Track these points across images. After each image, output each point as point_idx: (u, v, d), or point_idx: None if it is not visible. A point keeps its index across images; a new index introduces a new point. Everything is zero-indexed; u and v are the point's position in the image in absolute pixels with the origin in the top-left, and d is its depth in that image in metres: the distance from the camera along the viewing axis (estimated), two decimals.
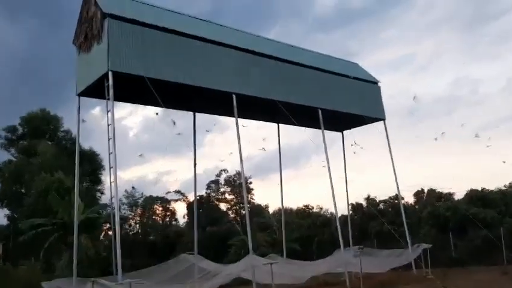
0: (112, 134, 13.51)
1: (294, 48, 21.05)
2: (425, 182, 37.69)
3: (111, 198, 13.62)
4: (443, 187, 37.08)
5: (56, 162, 32.04)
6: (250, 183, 64.08)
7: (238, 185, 63.30)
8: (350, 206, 28.38)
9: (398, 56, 79.83)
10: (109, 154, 13.72)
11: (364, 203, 32.33)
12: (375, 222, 29.65)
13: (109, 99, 13.80)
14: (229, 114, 18.67)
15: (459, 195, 32.89)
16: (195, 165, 19.39)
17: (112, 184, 13.32)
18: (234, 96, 16.41)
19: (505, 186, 32.25)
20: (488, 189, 31.04)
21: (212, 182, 63.08)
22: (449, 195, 35.20)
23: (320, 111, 19.17)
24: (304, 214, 36.77)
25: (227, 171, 62.55)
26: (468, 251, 25.09)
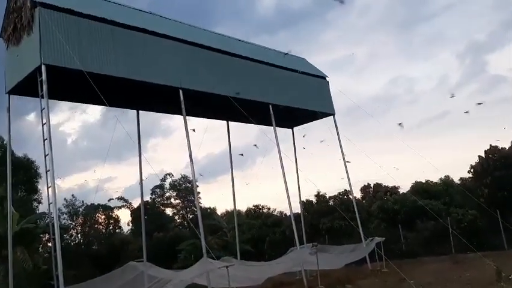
0: (48, 134, 12.24)
1: (241, 42, 20.39)
2: (370, 177, 38.25)
3: (49, 205, 12.29)
4: (388, 182, 37.88)
5: None
6: (197, 186, 63.00)
7: (184, 189, 62.07)
8: (300, 203, 28.10)
9: (339, 57, 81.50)
10: (45, 156, 12.43)
11: (314, 200, 32.16)
12: (325, 218, 29.56)
13: (42, 96, 12.50)
14: (176, 111, 17.80)
15: (404, 188, 33.56)
16: (140, 166, 18.28)
17: (50, 189, 12.05)
18: (180, 91, 15.49)
19: (445, 177, 33.26)
20: (432, 182, 31.88)
21: (157, 186, 61.46)
22: (395, 189, 35.87)
23: (270, 107, 18.61)
24: (255, 215, 36.18)
25: (172, 176, 60.96)
26: (418, 243, 25.46)
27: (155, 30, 15.52)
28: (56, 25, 12.81)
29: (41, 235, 27.58)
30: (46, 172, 12.23)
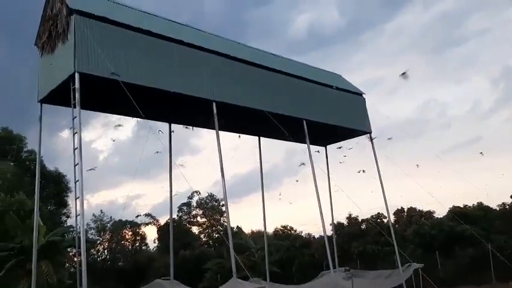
0: (78, 144, 11.86)
1: (276, 56, 19.91)
2: (403, 201, 36.96)
3: (76, 217, 11.88)
4: (422, 206, 36.49)
5: (17, 183, 29.87)
6: (222, 205, 62.46)
7: (211, 207, 61.65)
8: (332, 226, 27.16)
9: (369, 78, 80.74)
10: (74, 166, 12.05)
11: (345, 222, 31.11)
12: (357, 242, 28.48)
13: (74, 105, 12.19)
14: (207, 125, 17.38)
15: (439, 213, 32.21)
16: (170, 179, 17.80)
17: (77, 200, 11.62)
18: (213, 104, 15.04)
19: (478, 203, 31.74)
20: (470, 206, 30.48)
21: (184, 204, 61.29)
22: (430, 214, 34.51)
23: (304, 123, 17.95)
24: (283, 236, 35.27)
25: (199, 193, 60.66)
26: (456, 270, 24.16)
27: (191, 42, 15.19)
28: (91, 33, 12.58)
29: (68, 249, 27.39)
30: (75, 182, 11.82)
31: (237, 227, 35.23)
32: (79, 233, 11.79)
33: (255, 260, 29.70)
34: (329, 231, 31.04)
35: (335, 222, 30.25)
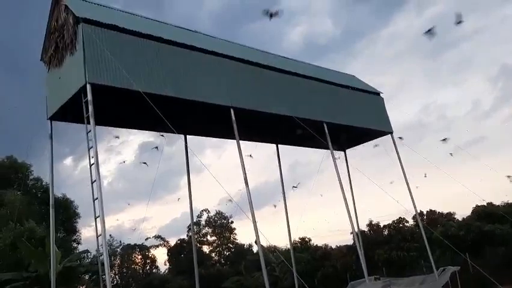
0: (95, 159, 10.99)
1: (289, 59, 19.16)
2: (421, 204, 35.90)
3: (97, 237, 10.95)
4: (441, 209, 35.46)
5: (26, 212, 29.03)
6: (232, 222, 61.40)
7: (219, 225, 60.57)
8: (356, 234, 26.10)
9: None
10: (92, 183, 11.18)
11: (367, 230, 30.06)
12: (381, 249, 27.39)
13: (88, 118, 11.35)
14: (225, 134, 16.58)
15: (461, 214, 31.21)
16: (189, 192, 16.91)
17: (98, 219, 10.72)
18: (231, 110, 14.22)
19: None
20: (494, 204, 29.43)
21: (193, 223, 60.06)
22: (450, 215, 33.46)
23: (325, 125, 17.10)
24: (302, 248, 34.18)
25: (208, 212, 59.75)
26: (489, 271, 23.02)
27: (204, 47, 14.43)
28: (100, 41, 11.81)
29: (83, 275, 26.40)
30: (94, 200, 10.94)
31: (255, 242, 34.13)
32: (101, 253, 10.85)
33: (276, 275, 28.61)
34: (350, 240, 29.90)
35: (356, 230, 29.26)
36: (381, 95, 20.82)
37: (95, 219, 10.88)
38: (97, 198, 10.73)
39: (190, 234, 60.50)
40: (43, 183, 40.97)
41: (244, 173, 13.79)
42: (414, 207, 19.71)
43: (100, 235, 10.52)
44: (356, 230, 23.15)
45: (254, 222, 13.43)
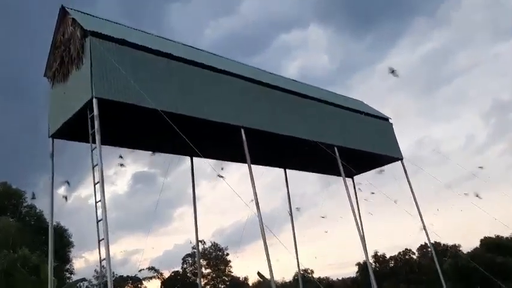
0: (100, 177, 10.27)
1: (298, 82, 18.73)
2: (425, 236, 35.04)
3: (100, 261, 10.12)
4: (445, 240, 34.59)
5: (19, 239, 28.04)
6: (227, 254, 60.00)
7: (214, 257, 59.19)
8: (359, 266, 25.20)
9: None
10: (96, 203, 10.45)
11: (372, 262, 29.09)
12: (388, 281, 26.42)
13: (93, 137, 10.70)
14: (233, 156, 15.95)
15: (467, 246, 30.44)
16: (195, 216, 16.14)
17: (102, 242, 9.93)
18: (242, 130, 13.62)
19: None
20: (503, 237, 28.68)
21: (188, 255, 58.97)
22: (456, 248, 32.62)
23: (336, 150, 16.50)
24: (305, 280, 33.05)
25: (204, 243, 58.56)
26: None
27: (212, 65, 13.94)
28: (109, 55, 11.28)
29: None
30: (97, 222, 10.18)
31: (258, 273, 32.98)
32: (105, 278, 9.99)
33: None
34: (353, 273, 28.89)
35: (361, 262, 28.34)
36: (389, 120, 20.36)
37: (99, 242, 10.08)
38: (101, 219, 9.97)
39: (185, 266, 59.22)
40: (37, 211, 39.99)
41: (256, 198, 13.10)
42: (428, 238, 18.87)
43: (104, 259, 9.70)
44: (365, 260, 22.28)
45: (266, 250, 12.66)
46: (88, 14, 12.99)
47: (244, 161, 14.54)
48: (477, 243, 30.28)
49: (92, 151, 10.92)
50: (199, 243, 52.96)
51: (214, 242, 59.07)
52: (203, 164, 16.93)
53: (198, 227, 16.65)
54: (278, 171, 19.76)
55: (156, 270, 53.62)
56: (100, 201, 10.17)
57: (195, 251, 58.65)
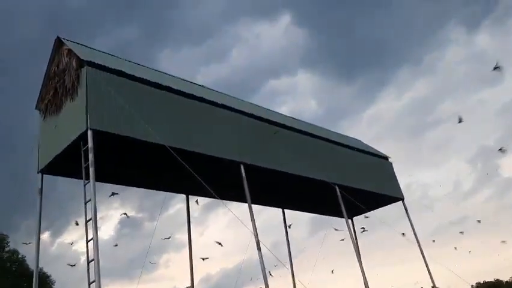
0: (93, 213, 9.47)
1: (296, 120, 18.33)
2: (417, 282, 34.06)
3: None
4: (441, 285, 33.59)
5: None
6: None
7: None
8: None
9: None
10: (87, 242, 9.63)
11: None
12: None
13: (87, 171, 10.02)
14: (231, 195, 15.24)
15: None
16: (191, 259, 15.22)
17: (93, 285, 9.04)
18: (242, 166, 13.03)
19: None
20: (501, 280, 27.91)
21: None
22: None
23: (337, 189, 15.92)
24: None
25: None
26: None
27: (214, 100, 13.49)
28: (104, 86, 10.77)
29: None
30: (88, 263, 9.34)
31: None
32: None
33: None
34: None
35: None
36: (389, 159, 19.94)
37: (89, 284, 9.21)
38: (92, 260, 9.13)
39: None
40: (19, 256, 38.31)
41: (257, 237, 12.33)
42: (433, 282, 18.04)
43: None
44: None
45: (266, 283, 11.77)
46: (84, 45, 12.56)
47: (241, 200, 13.95)
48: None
49: (84, 186, 10.21)
50: None
51: None
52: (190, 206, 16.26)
53: (183, 274, 15.73)
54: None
55: None
56: (91, 239, 9.36)
57: None
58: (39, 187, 11.80)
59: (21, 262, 37.56)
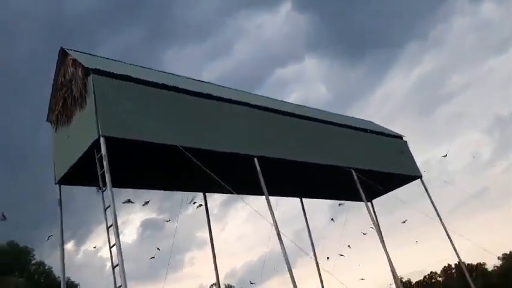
0: (113, 219, 9.55)
1: (306, 107, 18.25)
2: (449, 257, 33.84)
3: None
4: (469, 260, 33.40)
5: None
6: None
7: None
8: None
9: None
10: (110, 248, 9.74)
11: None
12: None
13: (103, 178, 10.10)
14: (247, 189, 15.22)
15: (490, 264, 29.36)
16: (214, 257, 15.30)
17: None
18: (255, 159, 13.00)
19: None
20: None
21: None
22: (481, 266, 31.44)
23: (353, 172, 15.83)
24: None
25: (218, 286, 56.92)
26: None
27: (222, 96, 13.48)
28: (113, 92, 10.82)
29: None
30: (113, 268, 9.43)
31: None
32: None
33: None
34: None
35: None
36: (403, 138, 19.77)
37: None
38: (117, 265, 9.21)
39: None
40: (46, 268, 38.95)
41: (277, 228, 12.34)
42: (458, 258, 17.82)
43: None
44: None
45: (293, 280, 11.78)
46: (88, 53, 12.61)
47: (258, 193, 13.94)
48: (494, 260, 29.23)
49: (102, 192, 10.31)
50: (213, 287, 51.54)
51: (229, 284, 57.68)
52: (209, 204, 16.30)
53: (209, 270, 15.79)
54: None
55: None
56: (114, 245, 9.43)
57: None
58: (58, 198, 11.92)
59: (48, 273, 38.23)
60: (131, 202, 13.85)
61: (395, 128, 20.17)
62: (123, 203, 13.40)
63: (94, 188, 11.69)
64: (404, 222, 20.35)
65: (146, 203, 14.06)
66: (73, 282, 36.33)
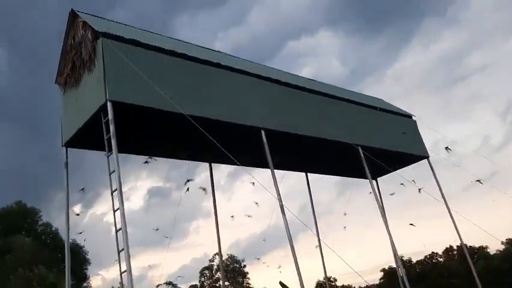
0: (118, 184, 9.61)
1: (318, 82, 18.05)
2: (450, 239, 33.88)
3: (121, 273, 9.44)
4: (471, 242, 33.46)
5: (35, 258, 27.63)
6: (244, 266, 59.34)
7: (232, 269, 58.49)
8: (384, 272, 24.22)
9: None
10: (114, 211, 9.83)
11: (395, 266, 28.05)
12: (417, 287, 25.37)
13: (109, 142, 10.12)
14: (253, 161, 15.23)
15: (493, 248, 29.33)
16: (217, 226, 15.45)
17: (122, 253, 9.26)
18: (262, 132, 12.94)
19: None
20: None
21: (205, 268, 58.59)
22: (483, 249, 31.45)
23: (360, 150, 15.75)
24: None
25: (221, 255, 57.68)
26: None
27: (230, 65, 13.34)
28: (122, 56, 10.71)
29: None
30: (116, 232, 9.55)
31: (280, 283, 32.09)
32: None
33: None
34: (375, 280, 27.95)
35: (386, 267, 27.37)
36: (413, 117, 19.58)
37: (118, 253, 9.42)
38: (120, 229, 9.31)
39: (203, 279, 58.48)
40: (52, 229, 39.57)
41: (281, 202, 12.35)
42: (460, 239, 17.89)
43: (125, 271, 9.01)
44: (390, 266, 21.42)
45: (294, 255, 11.88)
46: (99, 16, 12.47)
47: (264, 166, 13.92)
48: (498, 244, 29.24)
49: (108, 157, 10.34)
50: (216, 256, 52.15)
51: (231, 254, 58.49)
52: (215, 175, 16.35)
53: (213, 240, 15.96)
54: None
55: (174, 285, 52.95)
56: (118, 209, 9.52)
57: (212, 264, 58.10)
58: (65, 161, 11.99)
59: (55, 235, 38.87)
60: (149, 161, 13.92)
61: (408, 106, 19.93)
62: (144, 163, 13.61)
63: (103, 153, 11.78)
64: (392, 194, 20.10)
65: (147, 162, 13.99)
66: (78, 244, 36.84)
